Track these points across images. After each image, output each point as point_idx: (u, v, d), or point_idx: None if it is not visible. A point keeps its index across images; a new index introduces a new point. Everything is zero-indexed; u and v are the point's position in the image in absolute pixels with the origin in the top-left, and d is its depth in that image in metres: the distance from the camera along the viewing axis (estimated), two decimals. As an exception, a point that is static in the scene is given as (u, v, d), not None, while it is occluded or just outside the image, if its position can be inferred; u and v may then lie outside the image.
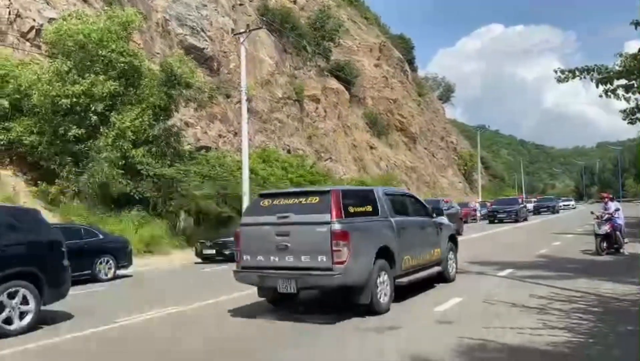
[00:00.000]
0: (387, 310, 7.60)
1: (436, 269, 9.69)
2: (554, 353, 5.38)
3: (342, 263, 6.95)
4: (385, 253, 7.77)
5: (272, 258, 7.43)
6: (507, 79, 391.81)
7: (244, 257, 7.75)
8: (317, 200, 7.43)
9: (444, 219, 10.98)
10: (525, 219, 34.32)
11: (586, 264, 12.41)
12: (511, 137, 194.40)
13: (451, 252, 10.40)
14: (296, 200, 7.65)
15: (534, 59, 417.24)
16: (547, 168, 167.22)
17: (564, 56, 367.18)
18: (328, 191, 7.52)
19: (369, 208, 7.94)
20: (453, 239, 10.76)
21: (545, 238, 19.74)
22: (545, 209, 46.25)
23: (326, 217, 7.09)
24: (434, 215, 10.14)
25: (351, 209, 7.46)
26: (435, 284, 9.76)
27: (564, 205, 57.40)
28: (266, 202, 7.96)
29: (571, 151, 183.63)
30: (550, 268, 11.67)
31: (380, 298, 7.49)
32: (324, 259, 7.03)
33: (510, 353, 5.47)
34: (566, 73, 10.95)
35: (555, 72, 11.00)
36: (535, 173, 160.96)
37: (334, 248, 6.96)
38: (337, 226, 7.01)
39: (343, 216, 7.18)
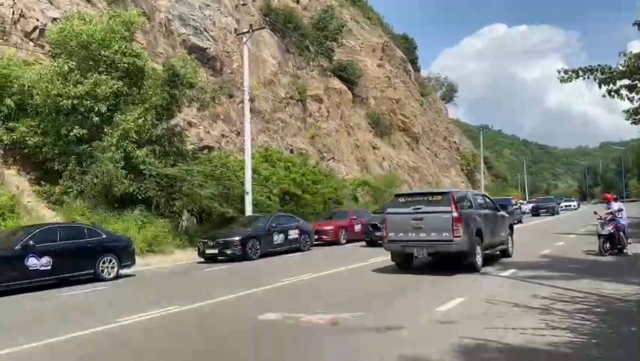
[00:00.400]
0: (480, 270, 11.29)
1: (501, 248, 13.44)
2: (556, 354, 5.37)
3: (459, 237, 10.84)
4: (479, 233, 11.56)
5: (410, 234, 11.40)
6: (510, 79, 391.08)
7: (390, 234, 11.72)
8: (440, 198, 11.29)
9: (505, 213, 14.63)
10: (520, 222, 32.84)
11: (589, 264, 12.39)
12: (514, 137, 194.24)
13: (510, 237, 14.11)
14: (424, 198, 11.60)
15: (536, 59, 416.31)
16: (550, 168, 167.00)
17: (566, 56, 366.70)
18: (448, 193, 11.47)
19: (468, 204, 11.93)
20: (511, 227, 14.67)
21: (546, 239, 19.70)
22: (544, 211, 44.52)
23: (448, 208, 10.97)
24: (500, 209, 14.13)
25: (460, 204, 11.28)
26: (437, 284, 9.77)
27: (565, 206, 55.08)
28: (402, 199, 12.05)
29: (574, 151, 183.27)
30: (553, 268, 11.66)
31: (478, 262, 11.37)
32: (447, 235, 10.94)
33: (512, 354, 5.46)
34: (569, 73, 10.97)
35: (559, 72, 11.04)
36: (538, 173, 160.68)
37: (454, 228, 10.85)
38: (455, 214, 10.92)
39: (458, 208, 11.02)
